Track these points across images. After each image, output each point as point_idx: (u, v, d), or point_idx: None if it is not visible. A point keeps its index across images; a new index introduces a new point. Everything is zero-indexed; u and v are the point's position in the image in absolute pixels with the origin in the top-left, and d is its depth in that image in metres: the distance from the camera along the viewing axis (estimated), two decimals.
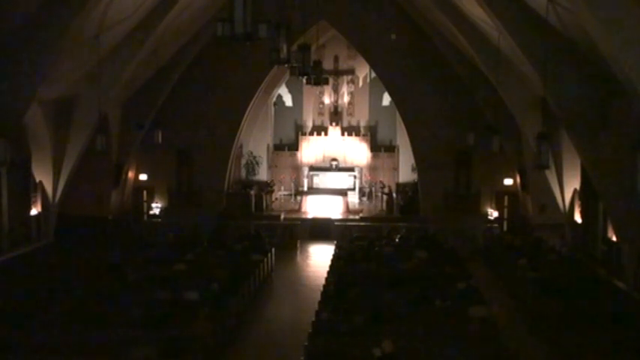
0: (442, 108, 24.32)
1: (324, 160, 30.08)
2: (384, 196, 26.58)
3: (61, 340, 10.37)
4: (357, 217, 25.14)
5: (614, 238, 16.19)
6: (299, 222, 24.15)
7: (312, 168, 29.68)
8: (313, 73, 13.19)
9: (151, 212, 25.50)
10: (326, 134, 30.42)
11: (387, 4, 23.76)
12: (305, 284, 17.73)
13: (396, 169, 29.24)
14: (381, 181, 28.38)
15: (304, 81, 17.00)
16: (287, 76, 25.78)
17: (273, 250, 19.37)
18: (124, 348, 9.74)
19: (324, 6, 22.50)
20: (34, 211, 19.94)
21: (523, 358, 11.38)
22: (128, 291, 13.62)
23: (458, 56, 21.70)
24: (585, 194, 18.73)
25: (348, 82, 30.82)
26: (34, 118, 18.09)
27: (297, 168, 30.12)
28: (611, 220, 16.02)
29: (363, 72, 30.34)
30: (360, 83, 30.80)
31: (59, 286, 14.36)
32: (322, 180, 29.19)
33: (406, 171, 28.34)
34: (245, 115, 25.53)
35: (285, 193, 29.80)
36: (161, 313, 11.66)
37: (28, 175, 19.53)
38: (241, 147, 28.20)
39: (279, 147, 30.66)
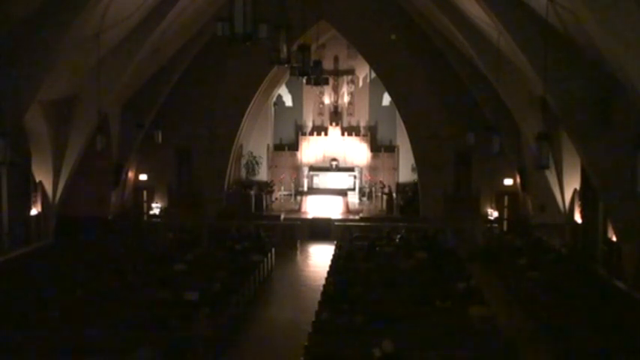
0: (442, 108, 24.34)
1: (324, 160, 30.06)
2: (384, 196, 26.57)
3: (61, 340, 10.36)
4: (357, 217, 25.13)
5: (614, 238, 16.18)
6: (299, 222, 24.15)
7: (312, 168, 29.67)
8: (313, 73, 13.17)
9: (151, 212, 25.51)
10: (326, 134, 30.40)
11: (387, 4, 23.77)
12: (305, 284, 17.73)
13: (396, 169, 29.22)
14: (381, 181, 28.37)
15: (304, 81, 17.04)
16: (287, 76, 25.75)
17: (273, 250, 19.37)
18: (124, 348, 9.73)
19: (324, 6, 22.51)
20: (34, 211, 19.95)
21: (523, 357, 11.37)
22: (128, 291, 13.62)
23: (458, 56, 21.71)
24: (585, 194, 18.72)
25: (348, 82, 30.80)
26: (34, 118, 18.10)
27: (297, 168, 30.10)
28: (611, 220, 16.01)
29: (363, 72, 30.32)
30: (360, 83, 30.77)
31: (59, 286, 14.35)
32: (322, 180, 29.18)
33: (406, 171, 28.34)
34: (245, 115, 25.54)
35: (285, 193, 29.79)
36: (161, 313, 11.66)
37: (28, 175, 19.55)
38: (241, 147, 28.19)
39: (279, 147, 30.64)
